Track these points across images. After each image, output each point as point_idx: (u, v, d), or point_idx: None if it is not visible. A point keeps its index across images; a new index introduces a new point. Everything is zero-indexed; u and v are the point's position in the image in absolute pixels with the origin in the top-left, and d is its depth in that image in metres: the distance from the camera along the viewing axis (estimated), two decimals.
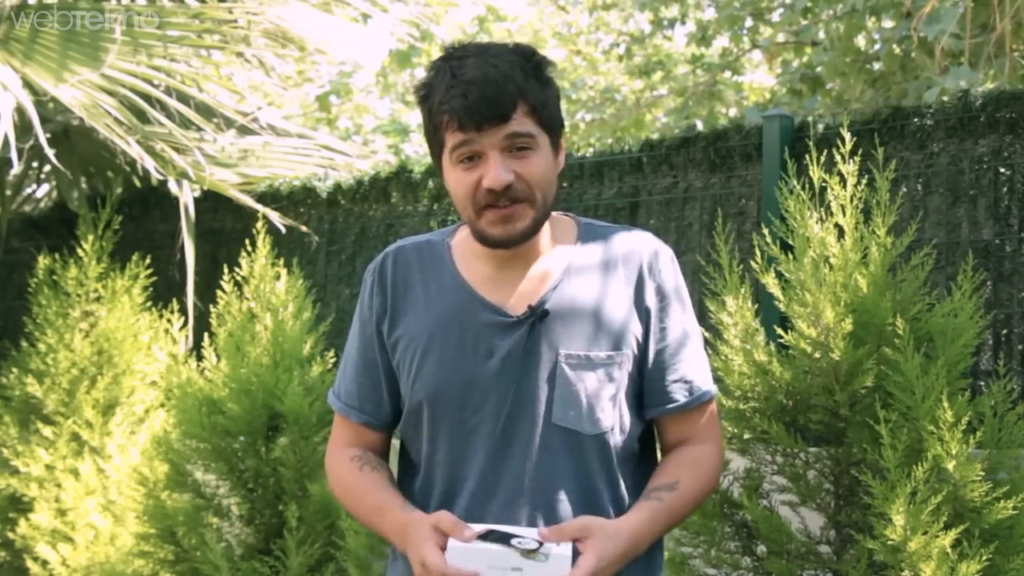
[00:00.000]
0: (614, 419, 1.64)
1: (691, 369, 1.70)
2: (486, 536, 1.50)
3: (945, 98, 3.69)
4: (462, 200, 1.62)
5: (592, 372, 1.63)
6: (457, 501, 1.63)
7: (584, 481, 1.63)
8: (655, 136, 4.27)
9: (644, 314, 1.68)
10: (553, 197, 1.65)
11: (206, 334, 4.10)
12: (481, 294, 1.67)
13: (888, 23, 6.87)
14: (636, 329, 1.67)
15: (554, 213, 1.73)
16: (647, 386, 1.68)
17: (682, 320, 1.72)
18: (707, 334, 2.84)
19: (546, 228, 1.70)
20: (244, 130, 4.75)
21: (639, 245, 1.72)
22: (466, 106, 1.56)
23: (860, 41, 7.11)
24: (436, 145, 1.65)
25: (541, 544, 1.46)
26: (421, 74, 1.71)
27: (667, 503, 1.63)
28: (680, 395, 1.68)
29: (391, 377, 1.72)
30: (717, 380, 2.73)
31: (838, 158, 2.66)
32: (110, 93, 4.12)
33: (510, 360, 1.62)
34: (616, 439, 1.65)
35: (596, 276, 1.68)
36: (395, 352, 1.70)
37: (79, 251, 4.82)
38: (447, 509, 1.61)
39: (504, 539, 1.48)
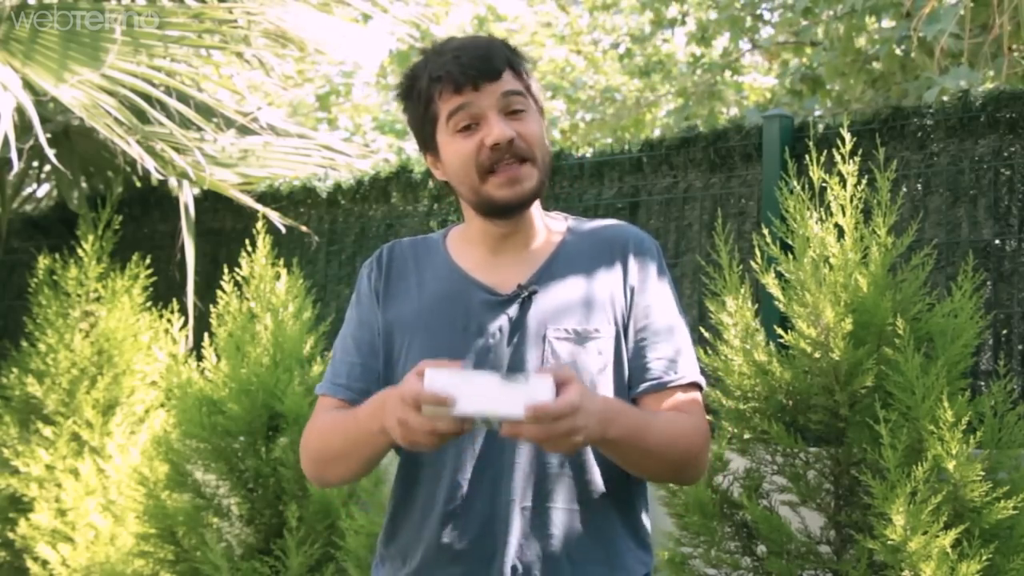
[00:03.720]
0: (605, 393, 1.64)
1: (675, 351, 1.69)
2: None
3: (945, 98, 3.69)
4: (464, 168, 1.63)
5: (581, 347, 1.64)
6: (443, 475, 1.63)
7: (574, 456, 1.63)
8: (655, 136, 4.27)
9: (629, 292, 1.69)
10: (550, 161, 1.67)
11: (206, 334, 4.11)
12: (473, 276, 1.69)
13: (888, 23, 6.87)
14: (621, 307, 1.68)
15: (542, 212, 1.75)
16: (631, 363, 1.68)
17: (667, 305, 1.71)
18: (707, 334, 2.86)
19: (538, 216, 1.72)
20: (244, 130, 4.75)
21: (625, 232, 1.75)
22: (461, 66, 1.59)
23: (860, 41, 7.11)
24: (429, 123, 1.65)
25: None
26: (420, 55, 1.70)
27: (642, 413, 1.61)
28: (661, 372, 1.67)
29: (383, 361, 1.72)
30: (717, 380, 2.73)
31: (838, 158, 2.66)
32: (110, 93, 4.12)
33: (500, 336, 1.64)
34: None
35: (584, 258, 1.70)
36: (389, 338, 1.71)
37: (79, 251, 4.82)
38: (434, 485, 1.62)
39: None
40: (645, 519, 1.73)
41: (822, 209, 2.67)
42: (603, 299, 1.67)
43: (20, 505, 4.62)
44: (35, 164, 5.47)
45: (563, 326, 1.64)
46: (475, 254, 1.71)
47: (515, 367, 1.63)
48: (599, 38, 11.87)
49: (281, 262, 4.00)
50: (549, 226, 1.74)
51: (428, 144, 1.68)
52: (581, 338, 1.64)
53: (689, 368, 1.70)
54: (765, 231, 2.79)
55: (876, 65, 6.82)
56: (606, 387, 1.65)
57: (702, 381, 1.72)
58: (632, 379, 1.68)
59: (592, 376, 1.64)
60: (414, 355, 1.65)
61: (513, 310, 1.65)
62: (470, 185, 1.63)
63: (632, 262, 1.70)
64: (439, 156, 1.67)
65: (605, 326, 1.66)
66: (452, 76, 1.59)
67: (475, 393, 1.38)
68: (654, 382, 1.67)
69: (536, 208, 1.71)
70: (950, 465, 2.34)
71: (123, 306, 4.73)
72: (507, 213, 1.65)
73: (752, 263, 2.80)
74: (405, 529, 1.67)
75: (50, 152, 4.06)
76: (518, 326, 1.65)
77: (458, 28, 13.18)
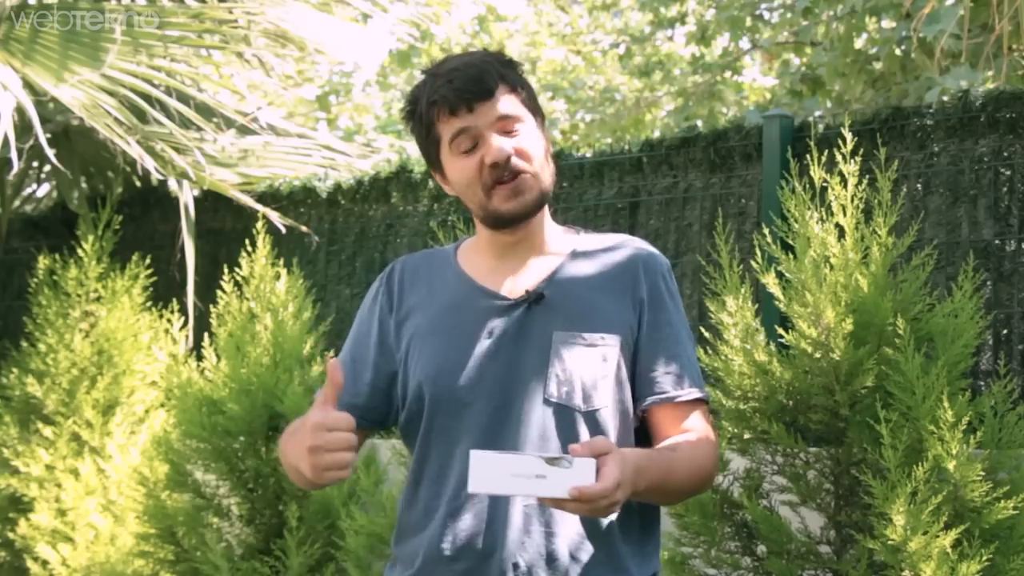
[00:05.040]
0: (608, 399, 1.66)
1: (683, 366, 1.71)
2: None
3: (945, 98, 3.69)
4: (470, 185, 1.68)
5: (586, 352, 1.66)
6: (450, 475, 1.64)
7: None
8: (655, 136, 4.27)
9: (638, 305, 1.71)
10: (552, 177, 1.72)
11: (206, 334, 4.10)
12: (480, 283, 1.73)
13: (888, 23, 6.87)
14: (630, 318, 1.70)
15: (553, 223, 1.79)
16: (639, 377, 1.69)
17: (676, 320, 1.74)
18: (707, 334, 2.86)
19: (547, 226, 1.76)
20: (244, 130, 4.75)
21: (636, 247, 1.78)
22: (455, 89, 1.65)
23: (860, 42, 7.10)
24: (432, 145, 1.71)
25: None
26: (420, 75, 1.76)
27: (664, 455, 1.63)
28: (671, 387, 1.69)
29: (379, 374, 1.75)
30: (717, 380, 2.73)
31: (839, 158, 2.66)
32: (110, 93, 4.12)
33: (505, 338, 1.67)
34: (611, 421, 1.66)
35: (594, 268, 1.73)
36: (404, 351, 1.73)
37: (79, 251, 4.82)
38: (441, 482, 1.65)
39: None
40: (653, 525, 1.73)
41: (823, 209, 2.67)
42: (612, 309, 1.69)
43: (20, 505, 4.62)
44: (35, 164, 5.46)
45: (570, 331, 1.66)
46: (484, 263, 1.76)
47: (520, 369, 1.65)
48: (599, 38, 11.87)
49: (281, 262, 4.01)
50: (559, 237, 1.78)
51: (435, 164, 1.74)
52: (587, 343, 1.66)
53: (696, 384, 1.72)
54: (765, 231, 2.79)
55: (876, 65, 6.82)
56: (606, 394, 1.66)
57: (707, 396, 1.75)
58: (640, 391, 1.70)
59: (595, 381, 1.65)
60: (424, 361, 1.70)
61: (520, 314, 1.68)
62: (477, 202, 1.69)
63: (643, 278, 1.73)
64: (446, 176, 1.73)
65: (611, 335, 1.67)
66: (447, 100, 1.66)
67: (521, 474, 1.45)
68: (663, 395, 1.69)
69: (545, 218, 1.76)
70: (950, 465, 2.34)
71: (123, 306, 4.72)
72: (513, 223, 1.70)
73: (752, 263, 2.80)
74: (411, 528, 1.69)
75: (50, 152, 4.06)
76: (524, 330, 1.67)
77: (458, 28, 13.18)
